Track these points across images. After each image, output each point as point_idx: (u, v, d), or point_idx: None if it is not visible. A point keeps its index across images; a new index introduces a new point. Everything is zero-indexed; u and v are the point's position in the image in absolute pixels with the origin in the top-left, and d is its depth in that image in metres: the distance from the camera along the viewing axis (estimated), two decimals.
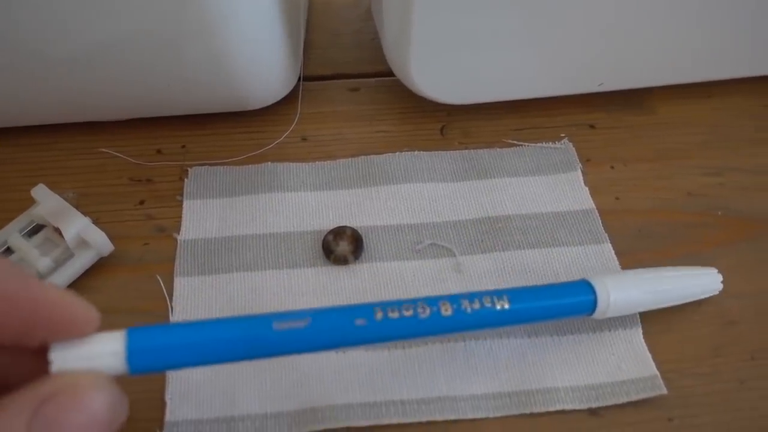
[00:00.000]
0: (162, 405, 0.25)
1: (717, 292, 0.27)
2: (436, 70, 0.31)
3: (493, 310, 0.23)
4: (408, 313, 0.22)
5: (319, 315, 0.22)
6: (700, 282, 0.27)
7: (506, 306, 0.23)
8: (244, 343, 0.21)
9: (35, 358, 0.19)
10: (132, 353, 0.19)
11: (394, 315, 0.22)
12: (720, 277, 0.27)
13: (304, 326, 0.21)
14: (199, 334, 0.21)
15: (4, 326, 0.18)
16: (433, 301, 0.22)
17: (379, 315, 0.22)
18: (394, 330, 0.22)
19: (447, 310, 0.22)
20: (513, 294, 0.23)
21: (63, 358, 0.18)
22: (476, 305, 0.23)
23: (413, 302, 0.22)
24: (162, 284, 0.28)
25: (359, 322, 0.22)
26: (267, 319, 0.21)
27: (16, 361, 0.20)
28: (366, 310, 0.22)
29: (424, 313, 0.22)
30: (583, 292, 0.25)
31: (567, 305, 0.24)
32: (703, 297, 0.27)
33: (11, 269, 0.18)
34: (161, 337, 0.20)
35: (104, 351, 0.19)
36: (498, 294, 0.23)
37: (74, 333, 0.19)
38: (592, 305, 0.25)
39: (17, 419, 0.16)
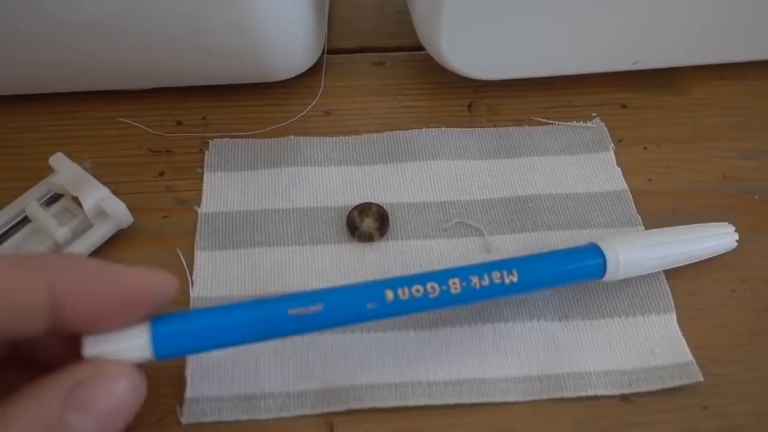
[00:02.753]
0: (182, 381, 0.24)
1: (732, 248, 0.27)
2: (467, 43, 0.30)
3: (502, 285, 0.23)
4: (418, 294, 0.23)
5: (331, 300, 0.22)
6: (713, 239, 0.27)
7: (515, 280, 0.23)
8: (260, 327, 0.22)
9: (67, 342, 0.21)
10: (157, 343, 0.21)
11: (404, 296, 0.23)
12: (735, 234, 0.27)
13: (318, 311, 0.22)
14: (217, 320, 0.22)
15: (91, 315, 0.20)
16: (442, 279, 0.23)
17: (390, 296, 0.23)
18: (405, 309, 0.23)
19: (456, 288, 0.23)
20: (522, 265, 0.24)
21: (94, 354, 0.20)
22: (485, 281, 0.23)
23: (423, 281, 0.23)
24: (182, 258, 0.28)
25: (370, 305, 0.22)
26: (282, 304, 0.22)
27: (50, 344, 0.21)
28: (377, 292, 0.23)
29: (434, 292, 0.23)
30: (591, 256, 0.25)
31: (576, 270, 0.25)
32: (717, 254, 0.27)
33: (95, 266, 0.20)
34: (182, 324, 0.21)
35: (132, 345, 0.20)
36: (507, 267, 0.23)
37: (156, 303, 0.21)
38: (602, 268, 0.25)
39: (52, 402, 0.18)
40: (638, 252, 0.25)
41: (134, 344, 0.20)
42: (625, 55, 0.32)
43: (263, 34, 0.29)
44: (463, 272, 0.23)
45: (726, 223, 0.27)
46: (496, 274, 0.23)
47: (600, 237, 0.26)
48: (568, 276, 0.25)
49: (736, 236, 0.27)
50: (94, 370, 0.19)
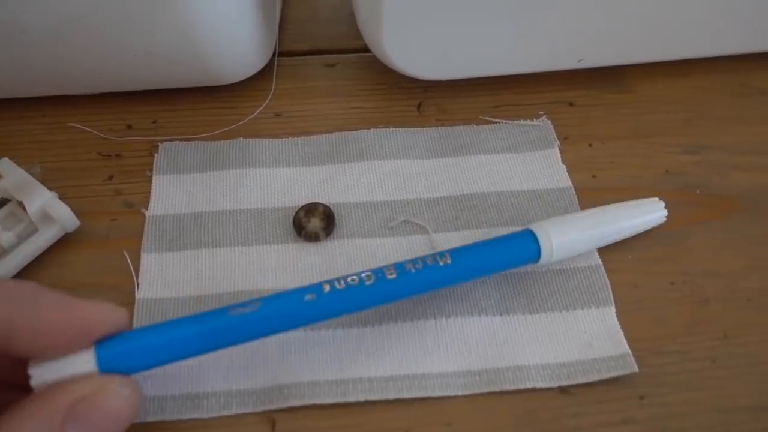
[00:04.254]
0: None
1: (662, 221, 0.28)
2: (410, 44, 0.30)
3: (435, 267, 0.24)
4: (354, 282, 0.23)
5: (270, 298, 0.23)
6: (643, 214, 0.28)
7: (448, 261, 0.24)
8: (203, 338, 0.22)
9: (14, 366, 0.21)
10: (103, 367, 0.21)
11: (341, 286, 0.23)
12: (664, 209, 0.28)
13: (258, 308, 0.23)
14: (160, 336, 0.22)
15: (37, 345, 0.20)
16: (377, 270, 0.24)
17: (327, 288, 0.23)
18: (345, 301, 0.23)
19: (391, 274, 0.23)
20: (455, 251, 0.24)
21: (41, 376, 0.20)
22: (419, 265, 0.24)
23: (358, 273, 0.24)
24: (129, 260, 0.28)
25: (309, 297, 0.23)
26: (223, 310, 0.23)
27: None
28: (315, 286, 0.23)
29: (370, 280, 0.23)
30: (525, 242, 0.26)
31: (511, 256, 0.25)
32: (648, 227, 0.28)
33: (53, 301, 0.21)
34: (126, 344, 0.22)
35: (78, 371, 0.21)
36: (440, 254, 0.24)
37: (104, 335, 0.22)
38: (537, 253, 0.25)
39: (54, 416, 0.19)
40: (571, 233, 0.26)
41: (81, 369, 0.21)
42: (570, 54, 0.32)
43: (208, 38, 0.29)
44: (398, 263, 0.24)
45: (656, 199, 0.28)
46: (429, 259, 0.24)
47: (533, 222, 0.26)
48: (502, 260, 0.26)
49: (665, 212, 0.28)
50: (94, 386, 0.20)
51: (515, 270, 0.27)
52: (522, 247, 0.26)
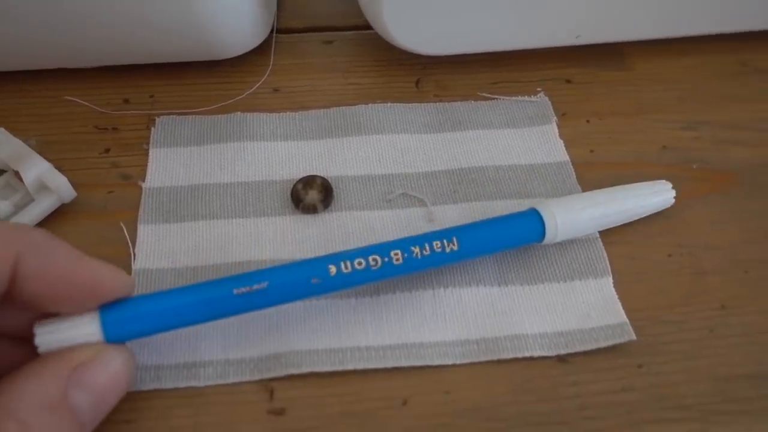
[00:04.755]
0: None
1: (671, 205, 0.28)
2: (410, 19, 0.30)
3: (443, 254, 0.24)
4: (360, 267, 0.23)
5: (275, 278, 0.23)
6: (650, 196, 0.28)
7: (455, 248, 0.24)
8: (206, 308, 0.23)
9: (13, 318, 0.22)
10: (108, 330, 0.21)
11: (347, 270, 0.23)
12: (672, 191, 0.28)
13: (262, 289, 0.22)
14: (165, 304, 0.22)
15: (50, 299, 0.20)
16: (384, 252, 0.24)
17: (333, 270, 0.23)
18: (349, 282, 0.23)
19: (398, 259, 0.24)
20: (462, 234, 0.24)
21: (47, 342, 0.21)
22: (426, 251, 0.24)
23: (365, 254, 0.23)
24: (125, 231, 0.28)
25: (315, 281, 0.23)
26: (227, 285, 0.23)
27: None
28: (320, 268, 0.23)
29: (376, 265, 0.23)
30: (530, 221, 0.26)
31: (516, 235, 0.26)
32: (656, 211, 0.28)
33: (63, 250, 0.21)
34: (131, 310, 0.22)
35: (83, 333, 0.21)
36: (447, 236, 0.24)
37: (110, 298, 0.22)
38: (541, 232, 0.26)
39: (57, 380, 0.20)
40: (576, 214, 0.26)
41: (85, 332, 0.21)
42: (568, 30, 0.32)
43: (208, 11, 0.29)
44: (404, 243, 0.24)
45: (663, 181, 0.28)
46: (437, 244, 0.24)
47: (539, 202, 0.26)
48: (508, 241, 0.26)
49: (673, 193, 0.28)
50: (94, 351, 0.21)
51: None
52: (528, 229, 0.26)
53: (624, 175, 0.30)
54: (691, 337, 0.25)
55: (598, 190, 0.27)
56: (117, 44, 0.31)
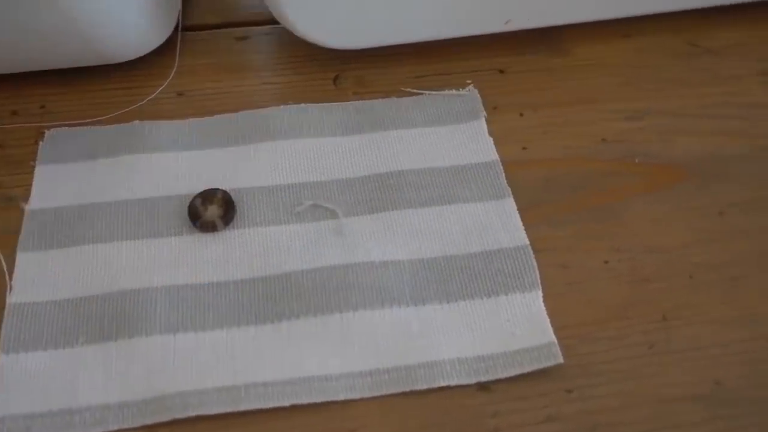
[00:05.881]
0: None
1: None
2: (317, 10, 0.27)
3: None
4: None
5: None
6: None
7: None
8: None
9: None
10: None
11: None
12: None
13: None
14: None
15: None
16: None
17: None
18: None
19: None
20: None
21: None
22: None
23: None
24: (2, 261, 0.25)
25: None
26: None
27: None
28: None
29: None
30: None
31: None
32: None
33: None
34: None
35: None
36: None
37: None
38: None
39: None
40: None
41: None
42: (497, 14, 0.29)
43: (93, 12, 0.26)
44: None
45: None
46: None
47: None
48: None
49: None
50: None
51: (431, 255, 0.25)
52: None
53: (559, 174, 0.27)
54: (627, 354, 0.23)
55: None
56: (2, 51, 0.28)
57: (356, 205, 0.26)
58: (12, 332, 0.23)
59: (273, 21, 0.33)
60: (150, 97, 0.30)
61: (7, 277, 0.24)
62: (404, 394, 0.22)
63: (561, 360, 0.22)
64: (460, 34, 0.30)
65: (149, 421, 0.21)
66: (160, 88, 0.30)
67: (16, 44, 0.27)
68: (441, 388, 0.22)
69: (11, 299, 0.24)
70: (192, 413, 0.21)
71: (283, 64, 0.31)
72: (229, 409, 0.21)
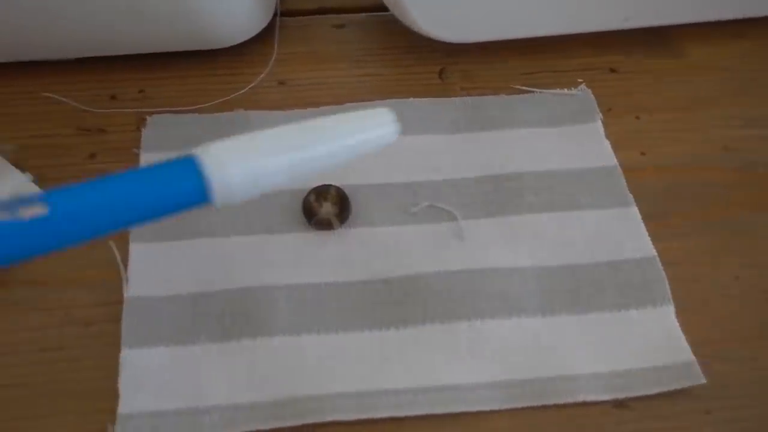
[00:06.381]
0: (115, 394, 0.21)
1: (393, 138, 0.20)
2: (435, 2, 0.26)
3: (19, 223, 0.16)
4: None
5: None
6: (363, 131, 0.19)
7: (42, 212, 0.16)
8: None
9: None
10: None
11: None
12: (394, 124, 0.20)
13: None
14: None
15: None
16: None
17: None
18: None
19: None
20: (60, 194, 0.17)
21: None
22: None
23: None
24: (116, 251, 0.24)
25: None
26: None
27: None
28: None
29: None
30: (183, 173, 0.17)
31: (157, 194, 0.17)
32: (375, 147, 0.20)
33: None
34: None
35: None
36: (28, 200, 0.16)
37: None
38: (202, 190, 0.17)
39: None
40: (259, 160, 0.18)
41: None
42: (615, 11, 0.28)
43: None
44: None
45: (385, 110, 0.20)
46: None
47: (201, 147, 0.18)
48: (142, 202, 0.17)
49: (396, 126, 0.20)
50: None
51: (555, 263, 0.24)
52: (179, 192, 0.17)
53: (681, 183, 0.26)
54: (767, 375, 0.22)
55: (285, 127, 0.19)
56: (101, 33, 0.27)
57: (474, 207, 0.25)
58: (132, 327, 0.23)
59: (368, 9, 0.32)
60: (251, 85, 0.29)
61: (121, 267, 0.24)
62: (538, 407, 0.21)
63: (703, 380, 0.21)
64: (574, 30, 0.29)
65: (281, 424, 0.21)
66: (261, 77, 0.29)
67: (117, 26, 0.27)
68: (575, 403, 0.21)
69: (128, 293, 0.23)
70: (327, 418, 0.21)
71: (383, 54, 0.30)
72: (363, 416, 0.21)
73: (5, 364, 0.22)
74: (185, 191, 0.17)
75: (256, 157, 0.18)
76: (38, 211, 0.16)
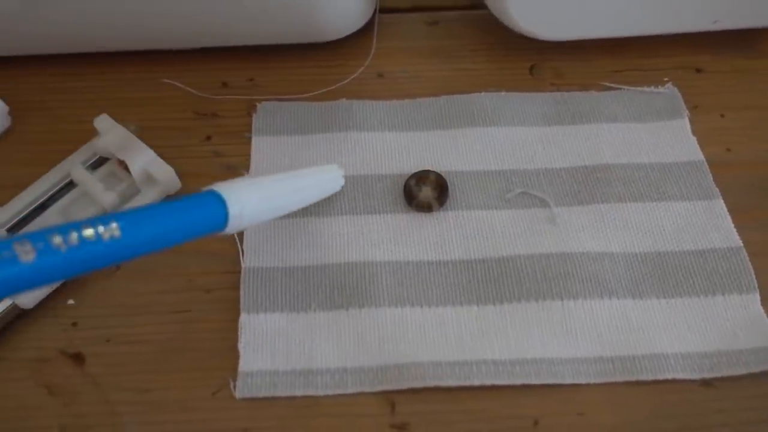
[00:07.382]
0: (235, 354, 0.23)
1: (339, 190, 0.27)
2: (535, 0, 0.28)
3: (99, 243, 0.18)
4: None
5: None
6: (325, 182, 0.26)
7: (117, 234, 0.19)
8: None
9: None
10: None
11: None
12: (342, 178, 0.27)
13: None
14: None
15: None
16: (5, 246, 0.17)
17: None
18: None
19: (28, 255, 0.17)
20: (126, 219, 0.19)
21: None
22: (74, 240, 0.18)
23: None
24: None
25: None
26: None
27: None
28: None
29: None
30: (211, 205, 0.22)
31: (195, 223, 0.21)
32: (326, 195, 0.27)
33: None
34: None
35: None
36: (104, 220, 0.19)
37: None
38: (224, 219, 0.22)
39: None
40: (259, 199, 0.23)
41: None
42: (704, 13, 0.29)
43: None
44: (39, 234, 0.18)
45: (335, 166, 0.27)
46: (87, 230, 0.18)
47: (218, 184, 0.22)
48: (184, 228, 0.21)
49: (342, 181, 0.27)
50: None
51: (644, 250, 0.25)
52: (211, 218, 0.22)
53: (764, 179, 0.27)
54: None
55: (276, 175, 0.25)
56: (215, 26, 0.29)
57: (565, 196, 0.27)
58: (250, 294, 0.25)
59: (459, 7, 0.34)
60: (353, 77, 0.31)
61: (237, 242, 0.26)
62: (628, 383, 0.23)
63: None
64: (662, 31, 0.30)
65: (387, 387, 0.23)
66: (361, 69, 0.31)
67: (232, 20, 0.29)
68: (664, 381, 0.23)
69: (246, 263, 0.25)
70: (429, 383, 0.22)
71: (476, 50, 0.32)
72: (462, 383, 0.23)
73: (137, 323, 0.24)
74: (211, 220, 0.22)
75: (258, 198, 0.23)
76: (115, 234, 0.19)
